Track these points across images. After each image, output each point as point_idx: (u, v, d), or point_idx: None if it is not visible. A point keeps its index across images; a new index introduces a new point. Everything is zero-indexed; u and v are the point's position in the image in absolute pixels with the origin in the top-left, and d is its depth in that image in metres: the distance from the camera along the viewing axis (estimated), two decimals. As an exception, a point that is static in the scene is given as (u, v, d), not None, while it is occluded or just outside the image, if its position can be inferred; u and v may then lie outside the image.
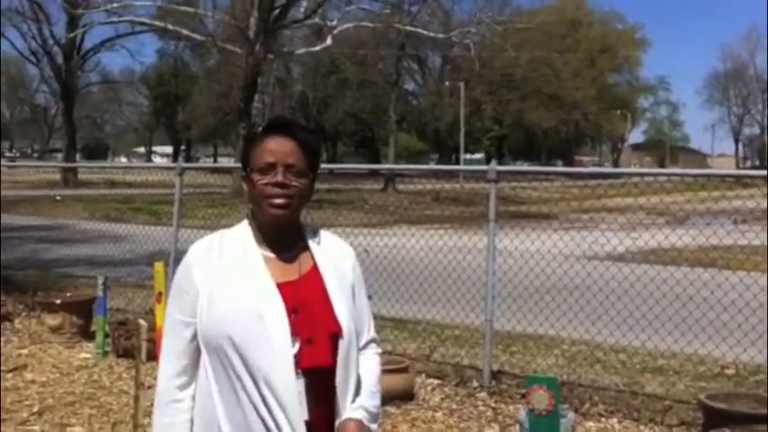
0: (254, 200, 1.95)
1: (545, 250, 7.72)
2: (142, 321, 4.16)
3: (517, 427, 4.75)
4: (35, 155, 73.65)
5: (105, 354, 6.83)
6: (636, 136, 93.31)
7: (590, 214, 21.61)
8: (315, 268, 1.98)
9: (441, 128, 54.69)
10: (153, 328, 4.27)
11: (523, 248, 7.53)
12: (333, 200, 23.77)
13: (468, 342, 7.18)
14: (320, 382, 1.88)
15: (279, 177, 1.90)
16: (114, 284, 8.59)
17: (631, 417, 5.32)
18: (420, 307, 7.82)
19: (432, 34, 39.71)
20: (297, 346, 1.86)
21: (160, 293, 4.75)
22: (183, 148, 68.82)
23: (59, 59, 41.60)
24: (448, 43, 44.52)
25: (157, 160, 66.42)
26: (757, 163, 78.45)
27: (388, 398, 5.30)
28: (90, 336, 7.26)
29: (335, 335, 1.91)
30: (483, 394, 5.83)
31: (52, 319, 7.37)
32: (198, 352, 1.94)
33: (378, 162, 52.36)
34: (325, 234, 2.07)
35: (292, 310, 1.88)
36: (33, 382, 6.07)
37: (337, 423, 1.91)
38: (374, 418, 1.98)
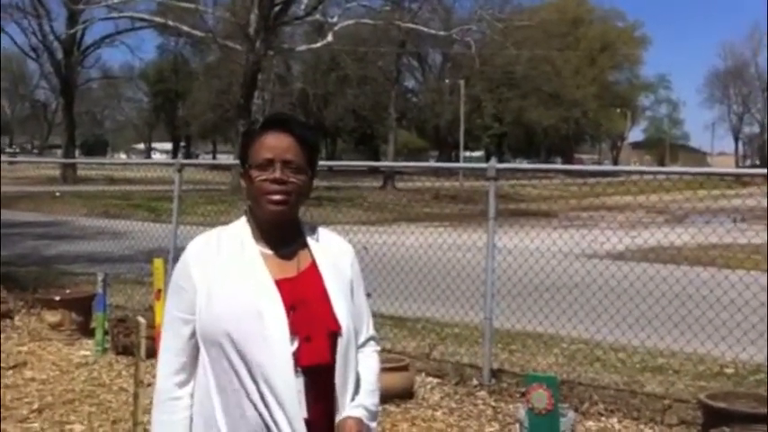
0: (252, 196, 1.94)
1: (544, 248, 7.71)
2: (141, 318, 4.16)
3: (517, 425, 4.75)
4: (35, 151, 73.66)
5: (105, 351, 6.83)
6: (636, 134, 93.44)
7: (589, 212, 21.59)
8: (313, 265, 1.97)
9: (441, 125, 54.68)
10: (152, 325, 4.26)
11: (523, 246, 7.52)
12: (332, 197, 23.74)
13: (468, 340, 7.17)
14: (319, 380, 1.88)
15: (277, 173, 1.89)
16: (114, 281, 8.59)
17: (631, 416, 5.32)
18: (419, 305, 7.81)
19: (432, 31, 39.66)
20: (295, 343, 1.85)
21: (159, 290, 4.74)
22: (182, 144, 68.82)
23: (59, 55, 41.56)
24: (448, 40, 44.45)
25: (157, 156, 66.44)
26: (757, 162, 78.45)
27: (388, 396, 5.30)
28: (90, 333, 7.26)
29: (334, 333, 1.90)
30: (483, 393, 5.83)
31: (52, 316, 7.37)
32: (197, 349, 1.93)
33: (377, 159, 52.32)
34: (323, 231, 2.06)
35: (290, 308, 1.87)
36: (33, 379, 6.07)
37: (336, 421, 1.91)
38: (373, 416, 1.98)
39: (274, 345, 1.83)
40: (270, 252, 1.95)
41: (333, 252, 2.03)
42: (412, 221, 18.68)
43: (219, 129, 54.94)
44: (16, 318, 8.07)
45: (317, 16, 33.95)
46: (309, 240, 2.01)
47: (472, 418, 5.32)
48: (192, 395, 1.95)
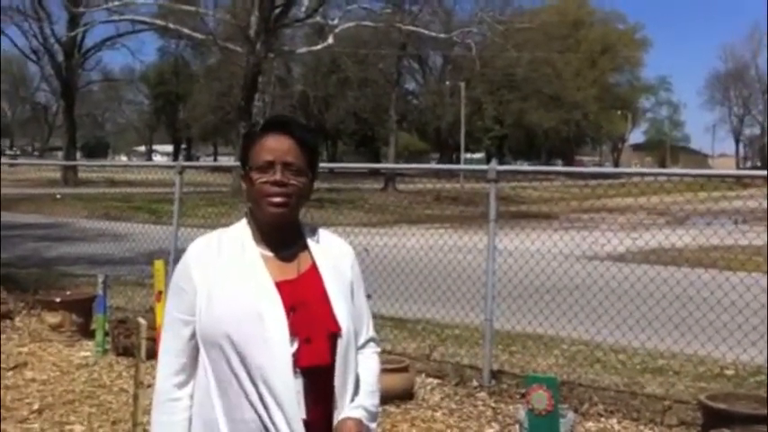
0: (252, 198, 1.94)
1: (545, 250, 7.72)
2: (142, 320, 4.16)
3: (517, 426, 4.75)
4: (36, 153, 73.68)
5: (105, 352, 6.84)
6: (636, 136, 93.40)
7: (590, 214, 21.59)
8: (314, 267, 1.98)
9: (441, 127, 54.68)
10: (153, 326, 4.27)
11: (523, 248, 7.52)
12: (333, 199, 23.77)
13: (468, 342, 7.17)
14: (318, 382, 1.88)
15: (277, 176, 1.90)
16: (114, 283, 8.60)
17: (631, 417, 5.32)
18: (420, 306, 7.81)
19: (433, 34, 39.71)
20: (295, 345, 1.86)
21: (160, 292, 4.75)
22: (183, 146, 68.85)
23: (60, 58, 41.58)
24: (449, 43, 44.52)
25: (158, 159, 66.45)
26: (758, 163, 78.41)
27: (388, 397, 5.30)
28: (90, 334, 7.26)
29: (334, 334, 1.90)
30: (483, 394, 5.83)
31: (52, 318, 7.38)
32: (196, 350, 1.94)
33: (378, 161, 52.37)
34: (324, 233, 2.07)
35: (290, 309, 1.87)
36: (33, 380, 6.08)
37: (336, 422, 1.91)
38: (373, 417, 1.98)
39: (274, 346, 1.83)
40: (270, 254, 1.95)
41: (333, 254, 2.03)
42: (413, 223, 18.69)
43: (220, 131, 54.97)
44: (17, 319, 8.08)
45: (318, 18, 33.98)
46: (310, 242, 2.01)
47: (472, 419, 5.32)
48: (191, 396, 1.96)
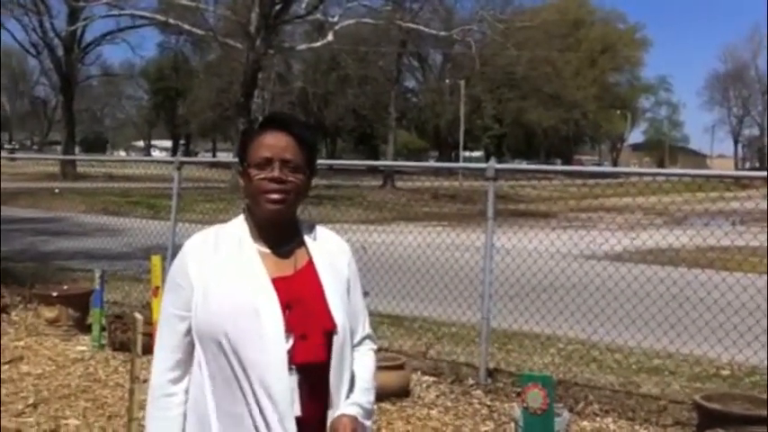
0: (250, 195, 1.95)
1: (543, 249, 7.72)
2: (138, 315, 4.16)
3: (512, 424, 4.76)
4: (34, 147, 73.59)
5: (101, 347, 6.84)
6: (635, 136, 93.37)
7: (588, 213, 21.64)
8: (310, 264, 1.98)
9: (440, 125, 54.71)
10: (149, 321, 4.28)
11: (521, 247, 7.53)
12: (332, 196, 23.73)
13: (465, 340, 7.18)
14: (314, 379, 1.88)
15: (275, 172, 1.90)
16: (111, 278, 8.59)
17: (626, 416, 5.33)
18: (417, 304, 7.82)
19: (433, 32, 39.68)
20: (291, 341, 1.86)
21: (157, 287, 4.75)
22: (182, 142, 68.77)
23: (60, 52, 41.55)
24: (449, 41, 44.49)
25: (156, 154, 66.51)
26: (756, 165, 78.48)
27: (384, 395, 5.31)
28: (86, 329, 7.26)
29: (330, 331, 1.91)
30: (478, 392, 5.84)
31: (49, 312, 7.37)
32: (192, 346, 1.94)
33: (377, 159, 52.31)
34: (321, 230, 2.07)
35: (286, 306, 1.87)
36: (29, 374, 6.07)
37: (330, 419, 1.92)
38: (368, 414, 1.98)
39: (269, 343, 1.83)
40: (267, 250, 1.95)
41: (330, 251, 2.03)
42: (411, 221, 18.69)
43: (219, 127, 54.94)
44: (13, 313, 8.08)
45: (318, 15, 33.98)
46: (307, 239, 2.01)
47: (467, 417, 5.33)
48: (186, 392, 1.96)
